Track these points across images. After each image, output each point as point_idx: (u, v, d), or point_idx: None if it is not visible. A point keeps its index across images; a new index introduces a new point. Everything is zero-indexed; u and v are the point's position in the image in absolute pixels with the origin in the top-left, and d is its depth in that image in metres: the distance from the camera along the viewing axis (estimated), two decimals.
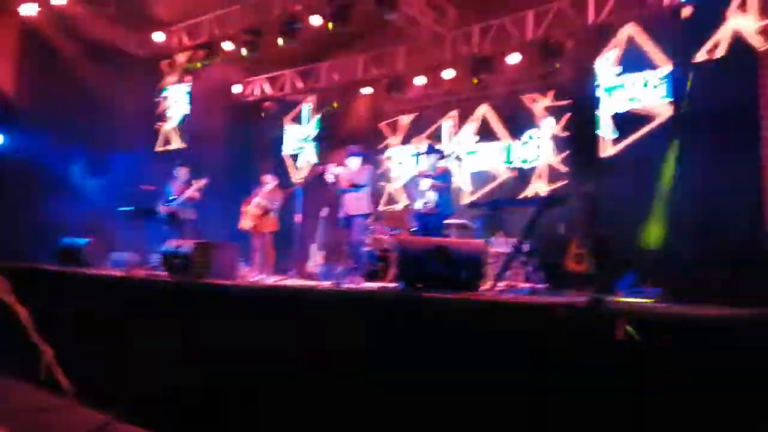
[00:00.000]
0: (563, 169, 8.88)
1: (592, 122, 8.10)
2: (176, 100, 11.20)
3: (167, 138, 11.24)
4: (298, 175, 11.48)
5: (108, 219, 8.46)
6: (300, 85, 11.19)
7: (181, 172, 8.03)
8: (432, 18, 9.01)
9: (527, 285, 5.69)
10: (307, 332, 3.83)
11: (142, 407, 3.91)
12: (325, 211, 8.73)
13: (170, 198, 7.83)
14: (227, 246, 6.11)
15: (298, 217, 7.18)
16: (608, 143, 7.98)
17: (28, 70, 9.10)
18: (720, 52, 6.36)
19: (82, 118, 9.27)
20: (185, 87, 11.06)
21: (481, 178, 10.01)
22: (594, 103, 8.09)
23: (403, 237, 7.62)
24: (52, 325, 4.50)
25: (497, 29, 8.81)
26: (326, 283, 6.10)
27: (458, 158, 10.30)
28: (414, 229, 6.92)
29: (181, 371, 4.12)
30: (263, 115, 11.40)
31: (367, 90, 10.62)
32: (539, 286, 5.19)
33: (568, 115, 8.91)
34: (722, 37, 6.38)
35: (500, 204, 6.71)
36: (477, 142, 10.17)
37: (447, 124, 10.61)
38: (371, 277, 7.27)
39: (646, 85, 7.61)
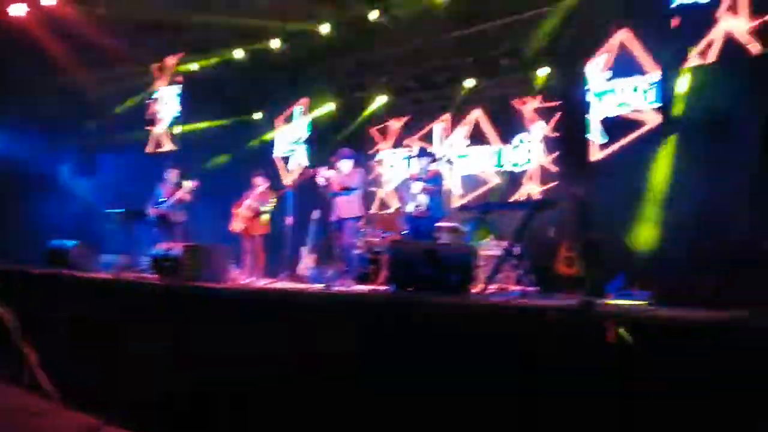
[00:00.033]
0: (554, 169, 8.93)
1: (582, 126, 8.13)
2: (167, 101, 11.14)
3: (158, 140, 11.18)
4: (289, 177, 11.45)
5: (97, 221, 8.41)
6: (291, 87, 11.16)
7: (171, 174, 7.99)
8: (423, 22, 9.02)
9: (518, 288, 5.70)
10: (298, 335, 3.82)
11: (131, 411, 3.87)
12: (316, 214, 8.71)
13: (160, 200, 7.79)
14: (218, 248, 6.09)
15: (289, 220, 7.16)
16: (597, 147, 8.02)
17: (16, 70, 9.04)
18: (712, 55, 6.40)
19: (72, 119, 9.21)
20: (176, 88, 11.01)
21: (471, 182, 10.03)
22: (584, 107, 8.13)
23: (395, 240, 7.63)
24: (39, 329, 4.46)
25: (488, 34, 8.83)
26: (317, 286, 6.09)
27: (449, 161, 10.32)
28: (405, 232, 6.92)
29: (171, 374, 4.09)
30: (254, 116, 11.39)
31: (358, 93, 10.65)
32: (530, 289, 5.20)
33: (558, 114, 8.96)
34: (714, 38, 6.42)
35: (491, 207, 6.72)
36: (468, 145, 10.20)
37: (438, 127, 10.63)
38: (362, 280, 7.26)
39: (635, 90, 7.66)
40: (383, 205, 10.85)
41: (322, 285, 6.14)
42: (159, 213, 7.73)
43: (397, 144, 11.07)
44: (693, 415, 2.48)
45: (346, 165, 6.61)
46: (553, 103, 9.04)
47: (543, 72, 8.80)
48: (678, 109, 6.94)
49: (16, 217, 8.33)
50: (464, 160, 10.20)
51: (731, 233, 5.61)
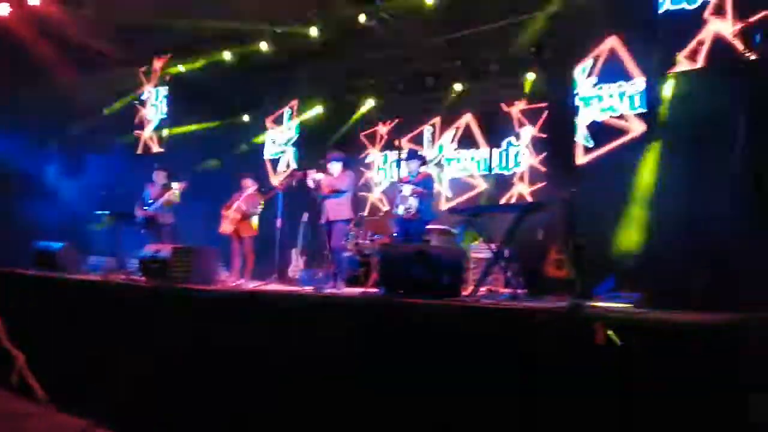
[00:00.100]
0: (543, 169, 9.02)
1: (569, 129, 8.20)
2: (154, 103, 11.08)
3: (145, 142, 11.11)
4: (278, 179, 11.42)
5: (84, 222, 8.34)
6: (280, 90, 11.14)
7: (159, 176, 7.95)
8: (412, 27, 9.06)
9: (508, 290, 5.73)
10: (288, 338, 3.81)
11: (119, 413, 3.85)
12: (305, 216, 8.70)
13: (148, 201, 7.74)
14: (207, 250, 6.06)
15: (278, 222, 7.15)
16: (584, 151, 8.09)
17: (1, 71, 8.94)
18: (700, 59, 6.47)
19: (58, 120, 9.13)
20: (163, 90, 10.95)
21: (460, 185, 10.07)
22: (572, 110, 8.19)
23: (385, 243, 7.64)
24: (26, 330, 4.41)
25: (477, 39, 8.88)
26: (307, 289, 6.08)
27: (439, 164, 10.36)
28: (395, 234, 6.92)
29: (160, 377, 4.07)
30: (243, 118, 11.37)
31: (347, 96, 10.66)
32: (519, 291, 5.22)
33: (546, 114, 9.05)
34: (701, 42, 6.48)
35: (481, 210, 6.74)
36: (456, 149, 10.24)
37: (428, 130, 10.66)
38: (352, 282, 7.26)
39: (622, 96, 7.73)
40: (374, 209, 10.86)
41: (312, 287, 6.13)
42: (147, 214, 7.67)
43: (387, 146, 11.09)
44: (680, 416, 2.51)
45: (335, 167, 6.60)
46: (540, 104, 9.13)
47: (531, 76, 8.86)
48: (663, 114, 7.02)
49: (2, 218, 8.23)
50: (453, 164, 10.25)
51: (716, 235, 5.68)
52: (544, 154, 9.02)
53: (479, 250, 7.59)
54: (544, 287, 5.81)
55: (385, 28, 8.75)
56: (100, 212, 8.02)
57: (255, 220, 7.67)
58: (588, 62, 8.04)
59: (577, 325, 2.86)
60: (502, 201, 9.34)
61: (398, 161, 10.58)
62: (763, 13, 5.96)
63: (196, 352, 4.12)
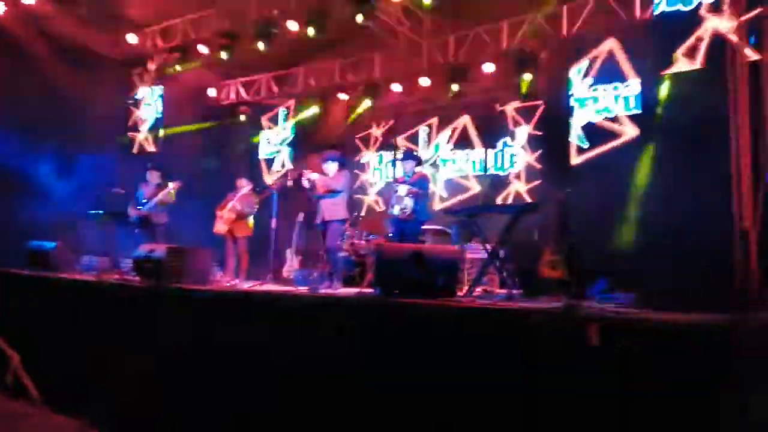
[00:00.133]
0: (539, 166, 9.05)
1: (564, 130, 8.21)
2: (149, 103, 11.04)
3: (140, 141, 11.07)
4: (273, 179, 11.41)
5: (78, 222, 8.29)
6: (275, 89, 11.14)
7: (153, 176, 7.92)
8: (408, 27, 9.07)
9: (503, 291, 5.73)
10: (283, 338, 3.81)
11: (113, 413, 3.83)
12: (301, 216, 8.69)
13: (142, 201, 7.71)
14: (201, 250, 6.04)
15: (273, 222, 7.13)
16: (578, 152, 8.11)
17: None
18: (699, 56, 6.47)
19: (52, 119, 9.08)
20: (158, 90, 10.92)
21: (456, 186, 10.09)
22: (567, 111, 8.21)
23: (380, 243, 7.63)
24: (20, 330, 4.39)
25: (472, 39, 8.90)
26: (302, 289, 6.07)
27: (434, 165, 10.37)
28: (390, 234, 6.92)
29: (156, 377, 4.05)
30: (240, 118, 11.36)
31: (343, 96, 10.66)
32: (514, 292, 5.23)
33: (541, 110, 9.09)
34: (700, 38, 6.49)
35: (476, 210, 6.74)
36: (452, 150, 10.25)
37: (424, 131, 10.68)
38: (348, 282, 7.25)
39: (617, 99, 7.75)
40: (370, 212, 10.86)
41: (308, 288, 6.12)
42: (140, 214, 7.64)
43: (382, 146, 11.10)
44: (674, 415, 2.51)
45: (331, 167, 6.59)
46: (535, 102, 9.17)
47: (527, 76, 8.87)
48: (659, 115, 7.04)
49: None
50: (449, 164, 10.26)
51: (711, 236, 5.70)
52: (540, 151, 9.08)
53: (474, 251, 7.59)
54: (539, 288, 5.80)
55: (380, 28, 8.76)
56: (93, 212, 7.97)
57: (250, 221, 7.65)
58: (584, 63, 8.06)
59: (573, 326, 2.87)
60: (499, 199, 9.37)
61: (393, 161, 10.59)
62: (759, 10, 5.97)
63: (192, 352, 4.11)
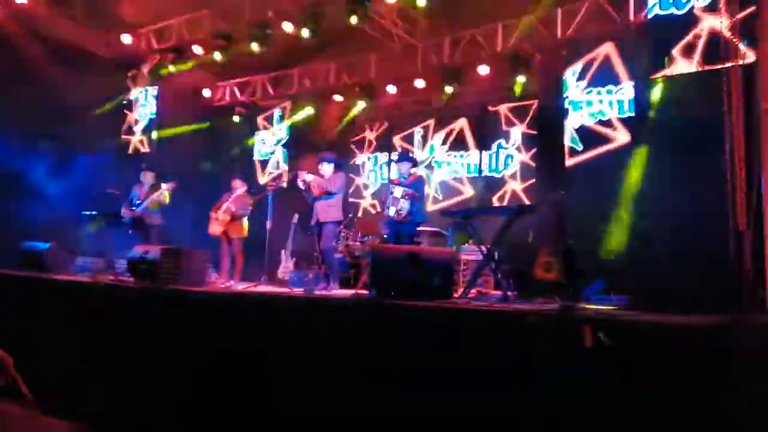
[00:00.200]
0: (533, 164, 9.08)
1: (559, 132, 8.23)
2: (143, 103, 11.01)
3: (135, 144, 11.03)
4: (268, 180, 11.39)
5: (72, 223, 8.25)
6: (270, 90, 11.13)
7: (147, 176, 7.90)
8: (403, 28, 9.07)
9: (498, 292, 5.74)
10: (278, 340, 3.80)
11: (107, 416, 3.81)
12: (296, 218, 8.68)
13: (136, 202, 7.68)
14: (195, 252, 6.02)
15: (268, 223, 7.12)
16: (572, 154, 8.14)
17: None
18: (695, 55, 6.48)
19: (45, 119, 9.03)
20: (152, 91, 10.88)
21: (451, 188, 10.10)
22: (562, 113, 8.23)
23: (375, 244, 7.64)
24: (13, 332, 4.36)
25: (467, 41, 8.92)
26: (297, 290, 6.06)
27: (430, 167, 10.38)
28: (386, 236, 6.92)
29: (151, 379, 4.04)
30: (235, 119, 11.35)
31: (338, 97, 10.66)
32: (510, 293, 5.24)
33: (534, 108, 9.12)
34: (698, 35, 6.49)
35: (472, 212, 6.76)
36: (447, 152, 10.26)
37: (419, 132, 10.69)
38: (343, 284, 7.25)
39: (611, 103, 7.78)
40: (366, 214, 10.86)
41: (303, 289, 6.11)
42: (134, 215, 7.62)
43: (378, 148, 11.11)
44: (671, 415, 2.52)
45: (327, 168, 6.59)
46: (529, 102, 9.21)
47: (521, 79, 8.89)
48: (651, 118, 7.07)
49: None
50: (444, 166, 10.28)
51: (706, 238, 5.73)
52: (534, 150, 9.12)
53: (470, 252, 7.60)
54: (534, 289, 5.82)
55: (376, 30, 8.76)
56: (87, 212, 7.94)
57: (245, 222, 7.63)
58: (578, 66, 8.08)
59: (568, 327, 2.88)
60: (495, 199, 9.40)
61: (389, 162, 10.60)
62: (752, 9, 5.98)
63: (187, 353, 4.09)
